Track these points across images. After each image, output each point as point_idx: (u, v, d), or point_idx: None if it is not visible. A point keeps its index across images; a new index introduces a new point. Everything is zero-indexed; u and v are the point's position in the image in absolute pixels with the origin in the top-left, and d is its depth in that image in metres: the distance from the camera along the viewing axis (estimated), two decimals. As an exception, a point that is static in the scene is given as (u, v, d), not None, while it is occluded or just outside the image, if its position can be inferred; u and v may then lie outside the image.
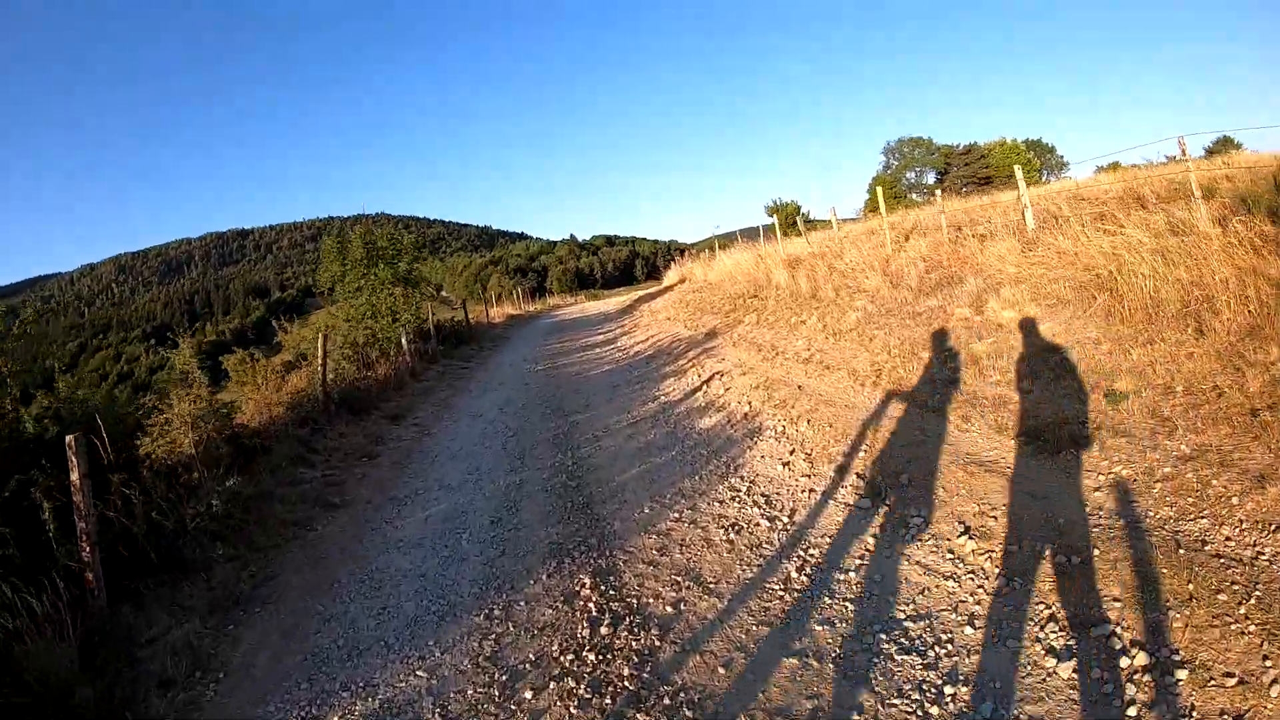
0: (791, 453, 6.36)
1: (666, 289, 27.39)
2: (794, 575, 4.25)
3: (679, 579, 4.43)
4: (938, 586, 3.86)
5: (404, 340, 13.53)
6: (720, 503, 5.55)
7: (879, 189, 14.45)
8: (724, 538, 4.92)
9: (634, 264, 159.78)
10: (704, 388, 9.55)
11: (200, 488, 5.81)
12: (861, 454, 5.84)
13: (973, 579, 3.83)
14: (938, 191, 17.11)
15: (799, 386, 8.50)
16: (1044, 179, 46.93)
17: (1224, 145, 25.92)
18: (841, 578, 4.13)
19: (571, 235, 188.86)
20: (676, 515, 5.40)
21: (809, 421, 7.00)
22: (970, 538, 4.22)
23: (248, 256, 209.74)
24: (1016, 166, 11.36)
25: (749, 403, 8.28)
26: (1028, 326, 7.13)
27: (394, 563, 5.20)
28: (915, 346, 8.18)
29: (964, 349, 7.41)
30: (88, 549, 4.78)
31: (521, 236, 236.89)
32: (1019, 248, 9.53)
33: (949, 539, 4.28)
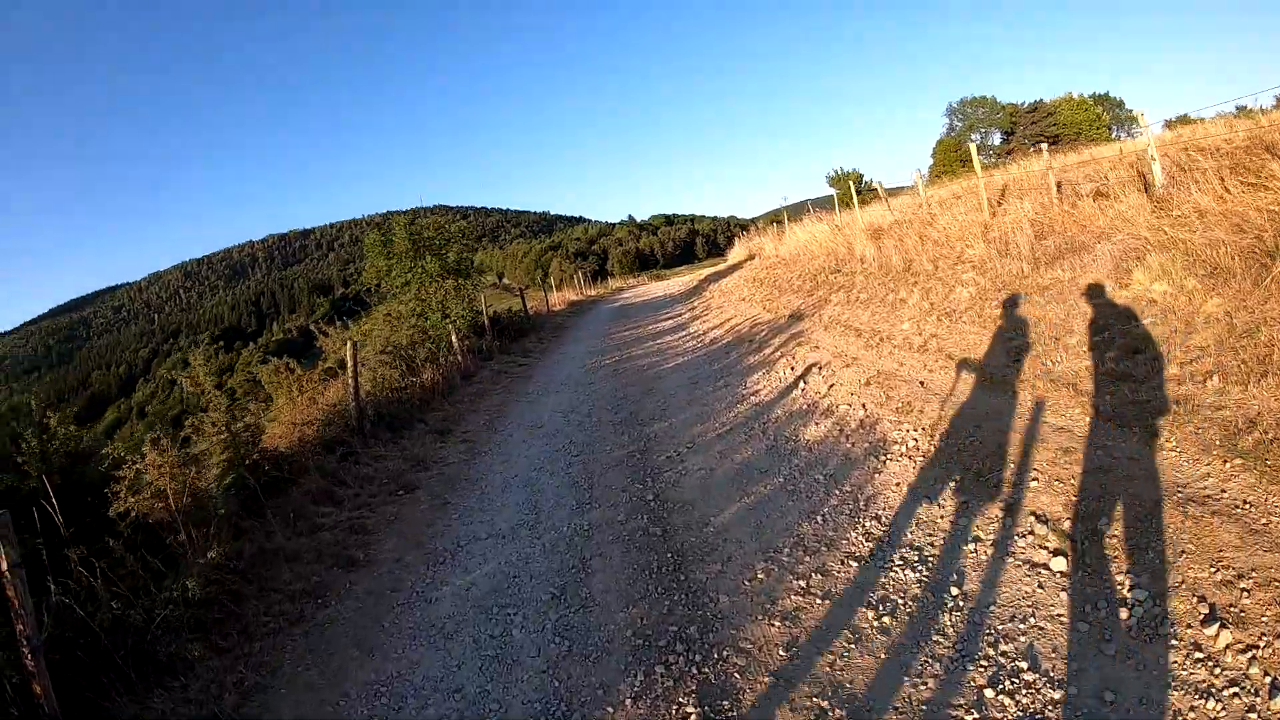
0: (936, 482, 4.74)
1: (733, 266, 25.64)
2: (992, 697, 2.72)
3: (825, 703, 2.91)
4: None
5: (454, 338, 12.23)
6: (858, 561, 4.00)
7: (973, 149, 12.56)
8: (876, 625, 3.38)
9: (694, 242, 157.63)
10: (801, 383, 7.95)
11: (184, 557, 4.53)
12: (1033, 486, 4.23)
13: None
14: (1044, 148, 14.97)
15: (921, 383, 6.86)
16: (1115, 135, 43.67)
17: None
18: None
19: (630, 216, 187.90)
20: (802, 584, 3.86)
21: (947, 435, 5.36)
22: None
23: (310, 255, 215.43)
24: (1141, 112, 9.35)
25: (862, 405, 6.67)
26: (1197, 304, 5.41)
27: (420, 667, 3.76)
28: (1056, 330, 6.50)
29: (1125, 332, 5.71)
30: (29, 656, 3.54)
31: (580, 220, 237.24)
32: (1149, 206, 7.97)
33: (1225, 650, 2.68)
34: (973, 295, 8.79)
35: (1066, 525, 3.77)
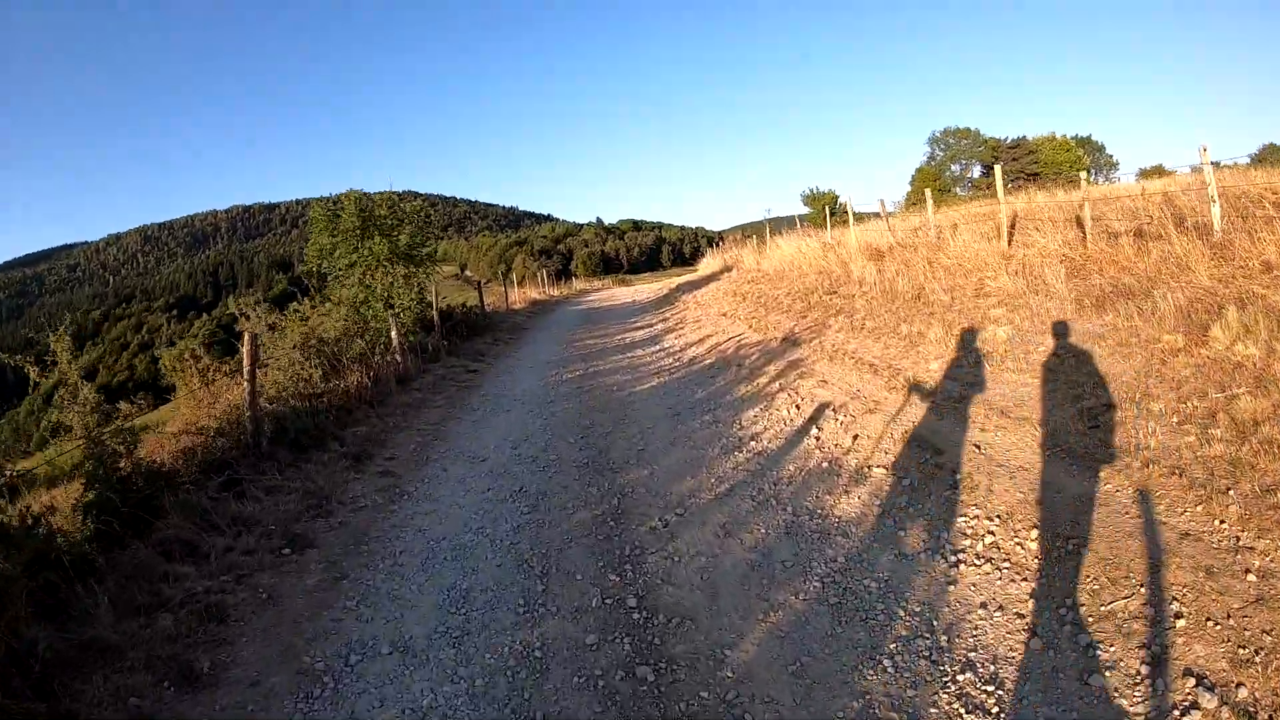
0: (1045, 610, 3.29)
1: (708, 277, 24.14)
2: None
3: None
4: None
5: (394, 333, 10.41)
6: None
7: (998, 172, 11.29)
8: None
9: (660, 250, 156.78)
10: (814, 430, 6.43)
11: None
12: (1180, 628, 2.84)
13: None
14: (1082, 176, 13.80)
15: (976, 447, 5.40)
16: (1094, 178, 43.80)
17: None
18: None
19: (598, 219, 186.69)
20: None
21: (1043, 534, 3.90)
22: None
23: (274, 229, 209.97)
24: (1202, 146, 8.23)
25: (905, 471, 5.17)
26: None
27: None
28: (1131, 390, 5.27)
29: (1224, 406, 4.47)
30: None
31: (548, 218, 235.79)
32: (1206, 253, 7.18)
33: None
34: (1010, 336, 7.44)
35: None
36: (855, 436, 6.12)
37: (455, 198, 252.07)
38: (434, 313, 13.28)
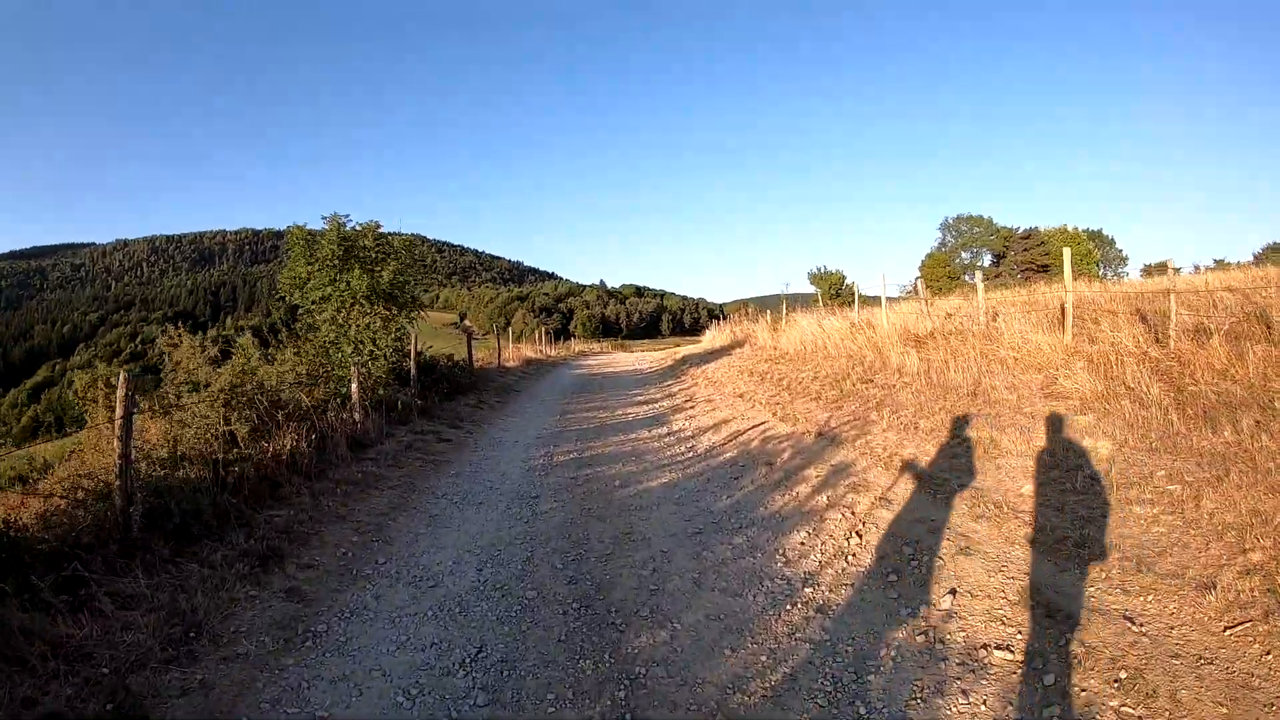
0: None
1: (715, 351, 22.52)
2: None
3: None
4: None
5: (354, 385, 8.59)
6: None
7: (1066, 256, 9.82)
8: None
9: (660, 318, 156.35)
10: (888, 572, 4.67)
11: None
12: None
13: None
14: (1169, 264, 12.38)
15: (1129, 620, 3.78)
16: (1102, 274, 43.06)
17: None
18: None
19: (601, 281, 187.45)
20: None
21: None
22: None
23: (280, 257, 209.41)
24: None
25: (1040, 658, 3.50)
26: None
27: None
28: None
29: None
30: None
31: (551, 276, 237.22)
32: None
33: None
34: (1113, 454, 5.86)
35: None
36: (953, 592, 4.33)
37: (462, 246, 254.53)
38: (411, 364, 11.47)
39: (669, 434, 10.21)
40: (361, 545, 5.39)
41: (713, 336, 28.78)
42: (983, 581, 4.42)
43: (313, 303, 11.71)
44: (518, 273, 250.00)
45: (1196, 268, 9.81)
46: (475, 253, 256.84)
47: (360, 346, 10.82)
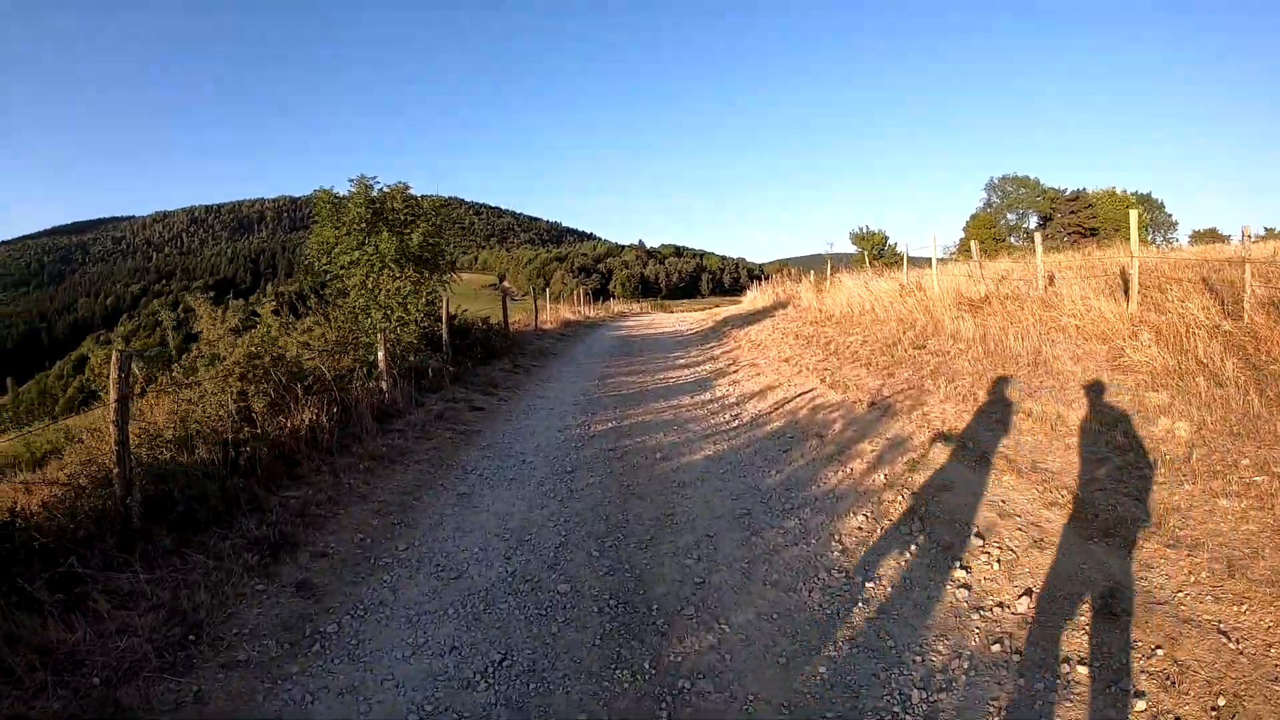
0: None
1: (758, 313, 21.78)
2: None
3: None
4: None
5: (381, 352, 8.20)
6: None
7: (1134, 213, 8.90)
8: None
9: (699, 278, 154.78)
10: (955, 567, 4.18)
11: None
12: None
13: None
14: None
15: (1223, 634, 3.20)
16: (1152, 239, 41.18)
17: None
18: None
19: (640, 241, 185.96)
20: None
21: None
22: None
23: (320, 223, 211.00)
24: None
25: (1114, 675, 2.88)
26: None
27: None
28: None
29: None
30: None
31: (589, 236, 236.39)
32: None
33: None
34: (1191, 437, 5.31)
35: None
36: (1028, 593, 3.79)
37: (500, 208, 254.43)
38: (443, 328, 11.07)
39: (712, 400, 9.68)
40: (382, 529, 5.00)
41: (754, 297, 27.97)
42: (1061, 583, 3.86)
43: (341, 268, 11.36)
44: (556, 233, 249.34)
45: (1246, 235, 8.90)
46: (514, 214, 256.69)
47: (389, 312, 10.44)
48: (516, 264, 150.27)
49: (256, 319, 8.63)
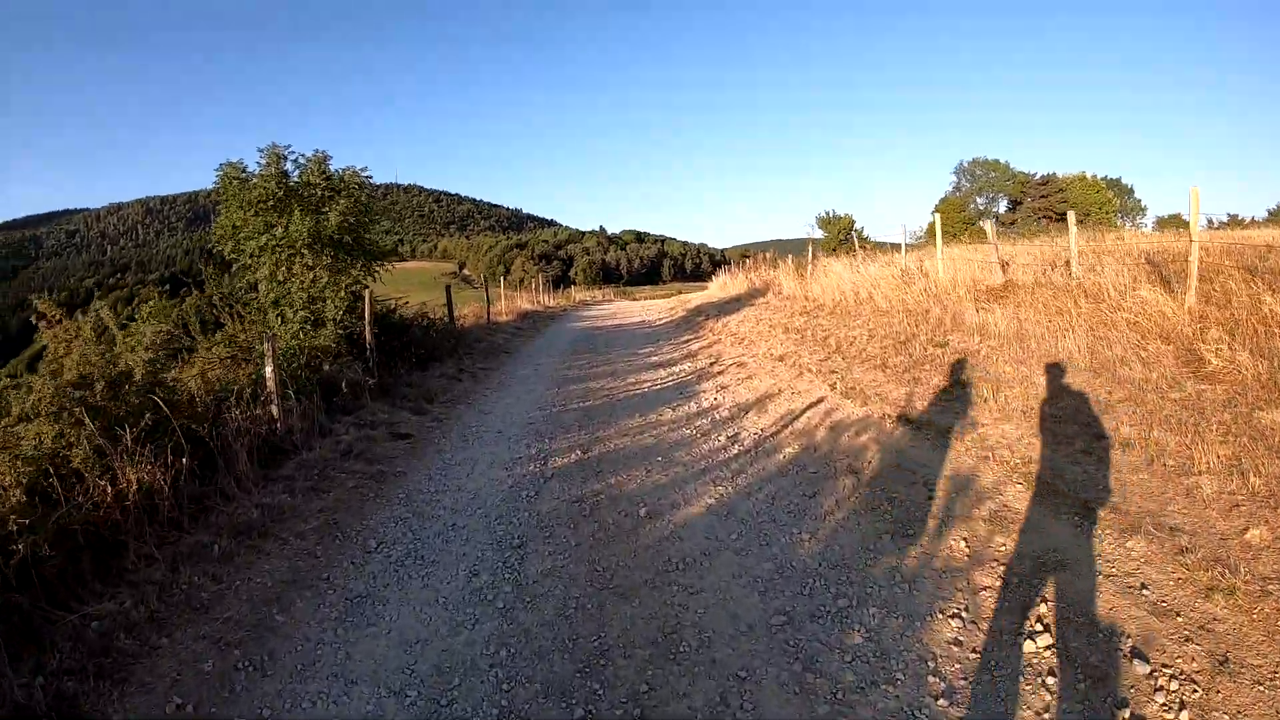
0: None
1: (734, 300, 20.08)
2: None
3: None
4: None
5: (268, 369, 6.15)
6: None
7: (1194, 192, 7.33)
8: None
9: (661, 264, 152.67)
10: None
11: None
12: None
13: None
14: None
15: None
16: (1121, 223, 40.84)
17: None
18: None
19: (601, 227, 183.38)
20: None
21: None
22: None
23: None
24: None
25: None
26: None
27: None
28: None
29: None
30: None
31: (550, 223, 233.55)
32: None
33: None
34: None
35: None
36: None
37: (459, 195, 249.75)
38: (366, 327, 9.01)
39: (699, 414, 7.88)
40: (216, 680, 3.08)
41: (723, 282, 26.29)
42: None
43: (251, 256, 9.28)
44: (517, 220, 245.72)
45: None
46: (474, 201, 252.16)
47: (290, 310, 8.44)
48: (476, 251, 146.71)
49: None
